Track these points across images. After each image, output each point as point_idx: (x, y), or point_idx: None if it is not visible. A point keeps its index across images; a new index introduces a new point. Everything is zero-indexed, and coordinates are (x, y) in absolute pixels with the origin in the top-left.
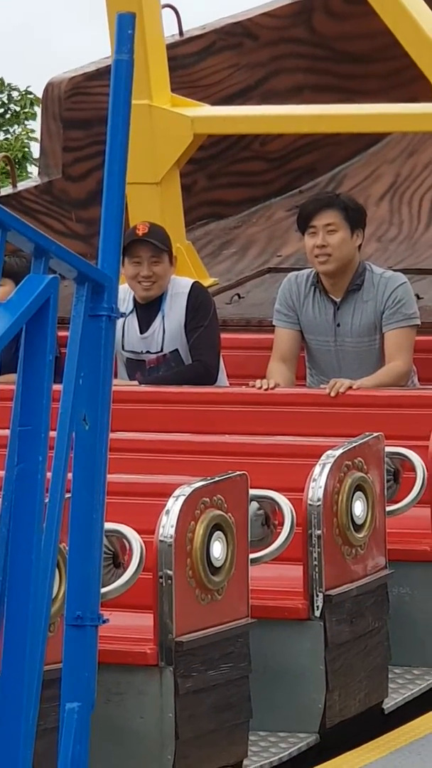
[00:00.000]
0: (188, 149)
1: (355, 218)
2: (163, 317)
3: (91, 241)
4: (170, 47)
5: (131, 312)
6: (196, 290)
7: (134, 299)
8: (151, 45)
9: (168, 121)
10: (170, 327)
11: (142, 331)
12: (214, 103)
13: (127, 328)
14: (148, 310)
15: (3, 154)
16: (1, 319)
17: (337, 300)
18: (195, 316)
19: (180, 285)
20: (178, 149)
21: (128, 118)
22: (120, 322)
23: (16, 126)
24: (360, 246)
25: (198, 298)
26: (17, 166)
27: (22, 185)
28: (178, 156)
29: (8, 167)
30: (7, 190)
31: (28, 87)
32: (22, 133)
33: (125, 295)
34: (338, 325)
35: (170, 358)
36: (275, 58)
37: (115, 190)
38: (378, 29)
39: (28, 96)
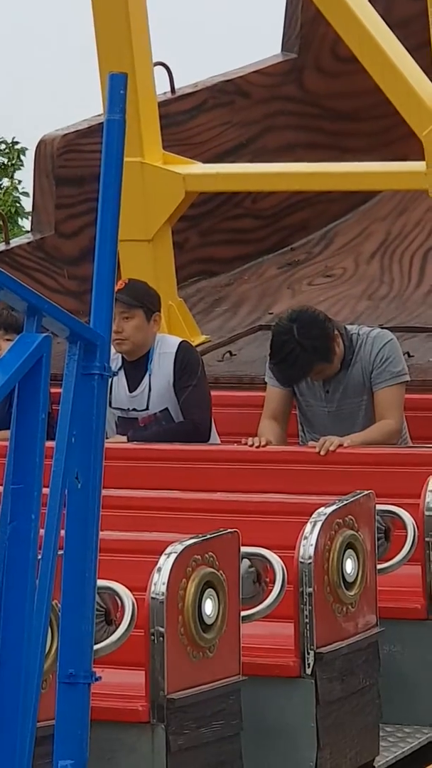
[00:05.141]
0: (180, 207)
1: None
2: (150, 376)
3: (84, 297)
4: (162, 105)
5: (119, 369)
6: (183, 349)
7: (123, 357)
8: (143, 103)
9: (160, 179)
10: (157, 386)
11: (131, 390)
12: (205, 161)
13: (116, 386)
14: (136, 368)
15: None
16: None
17: None
18: (183, 376)
19: (167, 344)
20: (170, 207)
21: (120, 178)
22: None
23: (5, 179)
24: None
25: (185, 357)
26: (9, 220)
27: (14, 242)
28: (170, 213)
29: (1, 224)
30: (0, 247)
31: (14, 138)
32: (11, 186)
33: (115, 352)
34: (328, 387)
35: (161, 417)
36: (267, 115)
37: (106, 248)
38: (369, 87)
39: (16, 148)
